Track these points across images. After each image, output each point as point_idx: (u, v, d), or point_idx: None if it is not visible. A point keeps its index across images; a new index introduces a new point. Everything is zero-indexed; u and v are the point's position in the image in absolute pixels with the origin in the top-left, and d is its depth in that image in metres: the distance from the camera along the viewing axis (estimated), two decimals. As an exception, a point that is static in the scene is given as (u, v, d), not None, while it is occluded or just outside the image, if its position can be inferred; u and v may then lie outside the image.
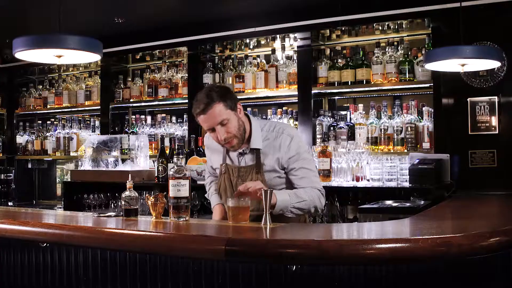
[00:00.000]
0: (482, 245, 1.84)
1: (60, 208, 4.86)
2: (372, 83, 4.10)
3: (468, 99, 3.86)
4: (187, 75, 4.86)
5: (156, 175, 4.38)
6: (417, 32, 4.18)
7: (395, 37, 4.17)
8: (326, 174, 3.81)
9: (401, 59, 4.03)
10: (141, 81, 5.19)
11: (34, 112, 5.95)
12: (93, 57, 3.21)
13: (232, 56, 4.79)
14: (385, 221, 2.78)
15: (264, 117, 4.56)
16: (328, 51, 4.38)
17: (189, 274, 2.27)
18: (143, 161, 4.62)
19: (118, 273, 2.46)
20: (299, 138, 2.73)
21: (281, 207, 2.50)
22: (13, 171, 5.76)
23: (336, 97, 4.59)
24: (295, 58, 4.44)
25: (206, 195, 3.02)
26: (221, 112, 2.50)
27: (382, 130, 3.98)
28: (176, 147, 4.36)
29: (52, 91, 5.74)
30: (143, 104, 5.22)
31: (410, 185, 3.52)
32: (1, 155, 5.91)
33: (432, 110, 3.86)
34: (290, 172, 2.64)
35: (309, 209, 2.61)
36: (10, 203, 5.50)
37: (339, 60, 4.28)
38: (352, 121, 4.12)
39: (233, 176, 2.68)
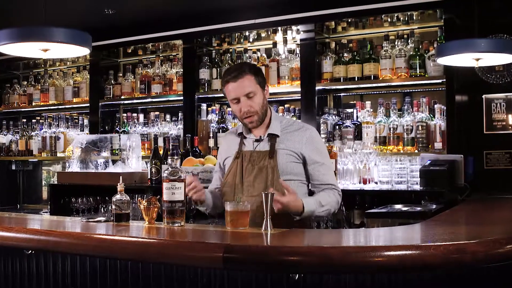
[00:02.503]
0: (499, 252, 1.84)
1: (46, 212, 4.86)
2: (381, 78, 4.10)
3: (483, 96, 3.86)
4: (182, 70, 4.86)
5: (149, 177, 4.38)
6: (429, 24, 4.18)
7: (405, 30, 4.17)
8: (331, 176, 3.81)
9: (411, 53, 4.03)
10: (133, 76, 5.19)
11: (18, 110, 5.95)
12: (82, 51, 3.21)
13: (231, 50, 4.79)
14: (394, 226, 2.79)
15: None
16: (333, 45, 4.38)
17: (184, 283, 2.27)
18: (135, 163, 4.61)
19: (108, 282, 2.46)
20: (318, 134, 2.90)
21: (306, 216, 2.62)
22: (-4, 173, 5.76)
23: (341, 94, 4.59)
24: (298, 52, 4.44)
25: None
26: (251, 84, 2.70)
27: (391, 129, 3.98)
28: (171, 147, 4.35)
29: (37, 88, 5.74)
30: (135, 101, 5.22)
31: (421, 188, 3.52)
32: (-17, 156, 5.91)
33: (445, 108, 3.86)
34: (312, 166, 2.75)
35: (327, 215, 2.77)
36: (-8, 208, 5.50)
37: (345, 54, 4.28)
38: (359, 120, 4.12)
39: (245, 161, 2.77)
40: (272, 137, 2.77)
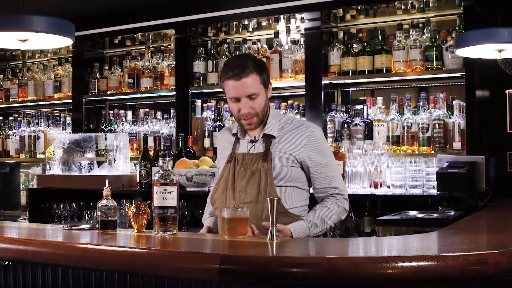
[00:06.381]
0: (524, 263, 1.84)
1: (25, 219, 4.86)
2: (393, 72, 4.10)
3: (507, 91, 3.86)
4: (174, 62, 4.86)
5: (138, 180, 4.38)
6: (447, 11, 4.18)
7: (420, 18, 4.17)
8: (338, 179, 3.81)
9: (427, 43, 4.03)
10: (120, 69, 5.19)
11: (-6, 106, 5.96)
12: (64, 42, 3.21)
13: (228, 41, 4.79)
14: (408, 235, 2.78)
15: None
16: (341, 35, 4.38)
17: (177, 298, 2.27)
18: (123, 164, 4.61)
19: (93, 297, 2.46)
20: (321, 130, 2.86)
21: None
22: (-31, 176, 5.76)
23: (350, 89, 4.59)
24: (302, 42, 4.44)
25: (202, 219, 3.02)
26: (254, 84, 2.67)
27: (405, 127, 3.98)
28: (162, 147, 4.36)
29: (15, 82, 5.74)
30: (122, 97, 5.22)
31: (438, 192, 3.52)
32: (-45, 157, 5.91)
33: (464, 104, 3.86)
34: (313, 169, 2.74)
35: (330, 228, 2.79)
36: (-35, 214, 5.50)
37: (354, 45, 4.28)
38: (369, 117, 4.12)
39: (237, 164, 2.75)
40: (268, 138, 2.75)
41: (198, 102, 4.73)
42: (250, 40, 4.71)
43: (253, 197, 2.66)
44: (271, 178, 2.67)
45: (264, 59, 4.40)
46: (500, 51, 3.23)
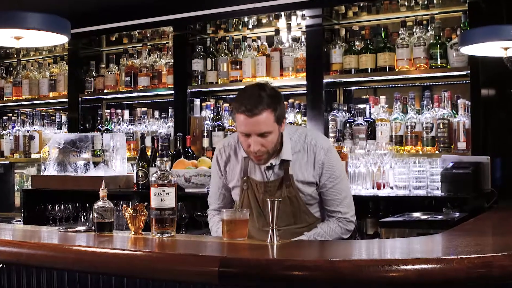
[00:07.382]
0: (530, 266, 1.84)
1: (19, 221, 4.86)
2: (397, 70, 4.10)
3: (513, 90, 3.86)
4: (172, 60, 4.86)
5: (135, 181, 4.38)
6: (451, 8, 4.18)
7: (424, 15, 4.17)
8: (340, 180, 3.81)
9: (431, 41, 4.03)
10: (117, 68, 5.19)
11: (-12, 105, 5.96)
12: (59, 39, 3.21)
13: (227, 38, 4.79)
14: (412, 237, 2.78)
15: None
16: (343, 32, 4.38)
17: (175, 302, 2.27)
18: (120, 165, 4.61)
19: (89, 300, 2.46)
20: (334, 151, 2.85)
21: None
22: (-38, 176, 5.76)
23: (353, 88, 4.60)
24: (303, 40, 4.44)
25: None
26: (267, 123, 2.58)
27: (409, 127, 3.98)
28: (160, 147, 4.35)
29: (9, 80, 5.74)
30: (119, 95, 5.22)
31: (443, 193, 3.52)
32: None
33: (469, 103, 3.86)
34: (322, 191, 2.79)
35: None
36: (-42, 216, 5.50)
37: (357, 43, 4.28)
38: (372, 117, 4.12)
39: (259, 192, 2.77)
40: (285, 162, 2.74)
41: (197, 101, 4.73)
42: (250, 37, 4.71)
43: (290, 220, 2.73)
44: (301, 201, 2.74)
45: (264, 57, 4.44)
46: (505, 48, 3.23)
